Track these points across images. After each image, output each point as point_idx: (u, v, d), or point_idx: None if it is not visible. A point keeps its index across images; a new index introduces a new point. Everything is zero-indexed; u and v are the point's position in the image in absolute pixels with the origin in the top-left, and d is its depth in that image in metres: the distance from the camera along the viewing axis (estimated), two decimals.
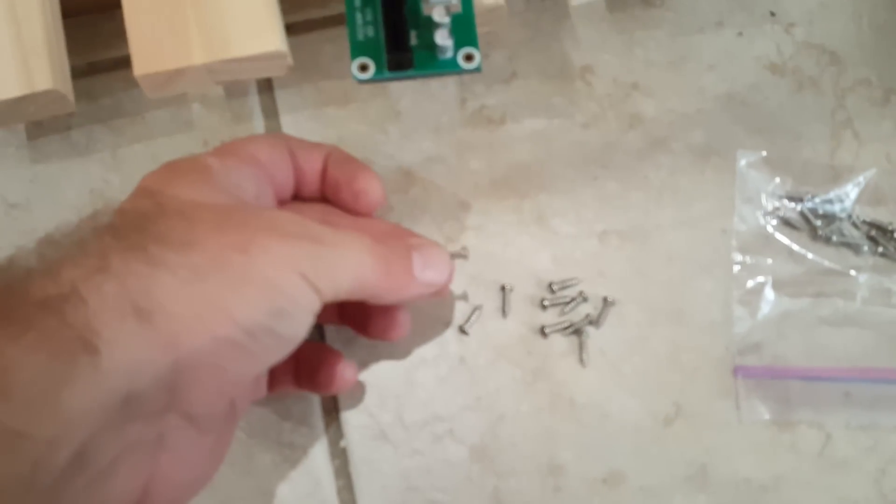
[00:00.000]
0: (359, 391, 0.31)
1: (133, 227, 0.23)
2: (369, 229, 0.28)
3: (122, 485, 0.22)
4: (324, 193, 0.30)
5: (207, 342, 0.21)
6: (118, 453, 0.21)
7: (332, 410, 0.32)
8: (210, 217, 0.23)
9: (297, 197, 0.30)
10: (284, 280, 0.23)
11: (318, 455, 0.31)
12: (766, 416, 0.31)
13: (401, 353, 0.32)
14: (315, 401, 0.32)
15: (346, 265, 0.25)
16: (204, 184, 0.25)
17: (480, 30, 0.29)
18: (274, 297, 0.23)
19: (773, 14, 0.35)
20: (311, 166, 0.29)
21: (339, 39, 0.26)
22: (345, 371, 0.29)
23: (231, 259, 0.22)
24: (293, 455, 0.31)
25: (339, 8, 0.29)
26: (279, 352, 0.24)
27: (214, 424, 0.24)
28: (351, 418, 0.31)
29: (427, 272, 0.27)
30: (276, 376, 0.30)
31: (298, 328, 0.24)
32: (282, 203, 0.29)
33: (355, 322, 0.31)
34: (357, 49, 0.29)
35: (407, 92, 0.34)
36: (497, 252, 0.33)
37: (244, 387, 0.26)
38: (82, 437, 0.20)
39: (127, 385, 0.20)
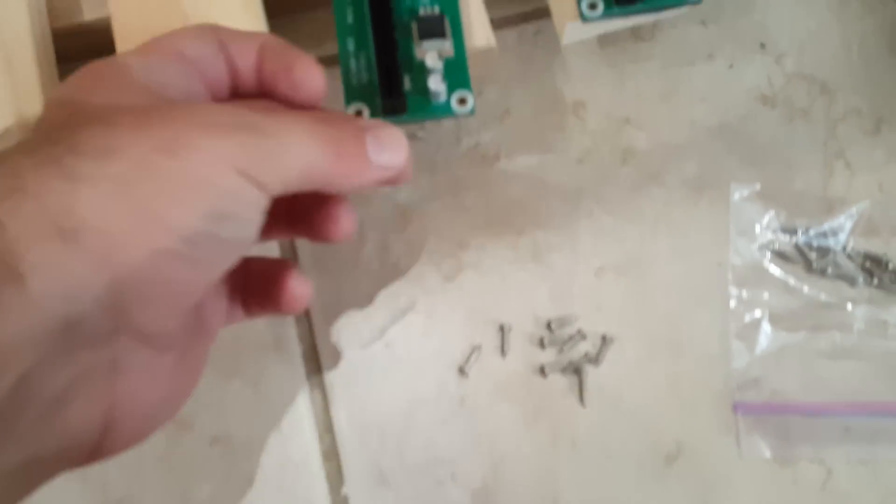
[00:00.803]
0: (360, 433, 0.31)
1: (45, 139, 0.20)
2: (315, 117, 0.25)
3: (81, 414, 0.21)
4: (262, 88, 0.26)
5: (144, 256, 0.20)
6: (69, 382, 0.20)
7: (332, 457, 0.31)
8: (130, 120, 0.21)
9: (235, 95, 0.27)
10: (221, 178, 0.21)
11: (320, 502, 0.31)
12: (767, 454, 0.31)
13: (401, 394, 0.32)
14: (315, 447, 0.31)
15: (290, 153, 0.22)
16: (123, 85, 0.23)
17: (473, 71, 0.29)
18: (211, 198, 0.20)
19: (763, 45, 0.36)
20: (245, 59, 0.26)
21: (332, 80, 0.26)
22: (296, 286, 0.27)
23: (157, 163, 0.20)
24: (293, 502, 0.31)
25: (332, 48, 0.29)
26: (227, 257, 0.22)
27: (173, 341, 0.23)
28: (351, 464, 0.31)
29: (383, 154, 0.25)
30: (248, 294, 0.28)
31: (244, 230, 0.22)
32: (218, 102, 0.26)
33: (304, 228, 0.28)
34: (351, 94, 0.29)
35: (401, 129, 0.34)
36: (495, 289, 0.33)
37: (199, 298, 0.23)
38: (21, 368, 0.19)
39: (63, 310, 0.19)
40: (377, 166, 0.24)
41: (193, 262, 0.21)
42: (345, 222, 0.26)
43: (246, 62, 0.26)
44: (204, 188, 0.20)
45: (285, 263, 0.27)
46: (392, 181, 0.26)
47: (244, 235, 0.22)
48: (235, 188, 0.21)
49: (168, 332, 0.22)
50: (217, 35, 0.25)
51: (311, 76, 0.26)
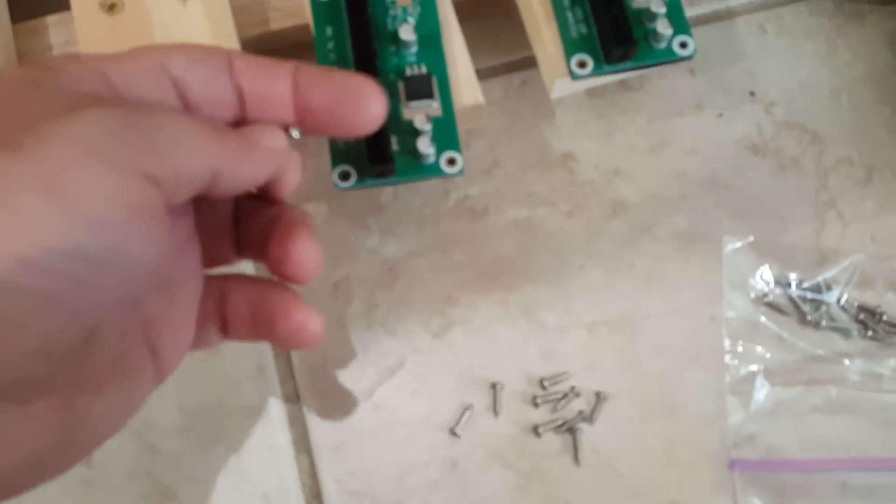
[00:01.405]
0: (350, 500, 0.30)
1: None
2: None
3: None
4: (309, 120, 0.23)
5: None
6: None
7: None
8: None
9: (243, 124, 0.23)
10: (82, 175, 0.16)
11: None
12: None
13: (391, 457, 0.31)
14: None
15: (176, 135, 0.18)
16: (42, 90, 0.18)
17: (461, 127, 0.29)
18: (71, 205, 0.16)
19: (752, 94, 0.35)
20: (267, 87, 0.22)
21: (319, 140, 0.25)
22: (307, 320, 0.23)
23: None
24: None
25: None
26: (117, 280, 0.18)
27: (46, 388, 0.18)
28: None
29: (265, 136, 0.22)
30: (229, 317, 0.25)
31: (134, 242, 0.17)
32: None
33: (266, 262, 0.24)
34: (337, 157, 0.28)
35: (388, 186, 0.34)
36: (486, 348, 0.32)
37: (77, 341, 0.19)
38: None
39: None
40: (266, 149, 0.22)
41: (55, 298, 0.16)
42: (303, 257, 0.23)
43: (268, 90, 0.22)
44: (57, 192, 0.15)
45: (293, 294, 0.24)
46: (284, 178, 0.23)
47: (136, 250, 0.17)
48: (108, 186, 0.16)
49: (26, 379, 0.18)
50: (227, 57, 0.22)
51: (375, 102, 0.23)
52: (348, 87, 0.23)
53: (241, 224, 0.25)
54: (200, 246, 0.24)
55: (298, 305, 0.24)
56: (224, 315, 0.25)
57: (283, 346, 0.25)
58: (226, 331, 0.25)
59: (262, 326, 0.24)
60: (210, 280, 0.25)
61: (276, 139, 0.23)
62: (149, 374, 0.23)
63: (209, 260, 0.25)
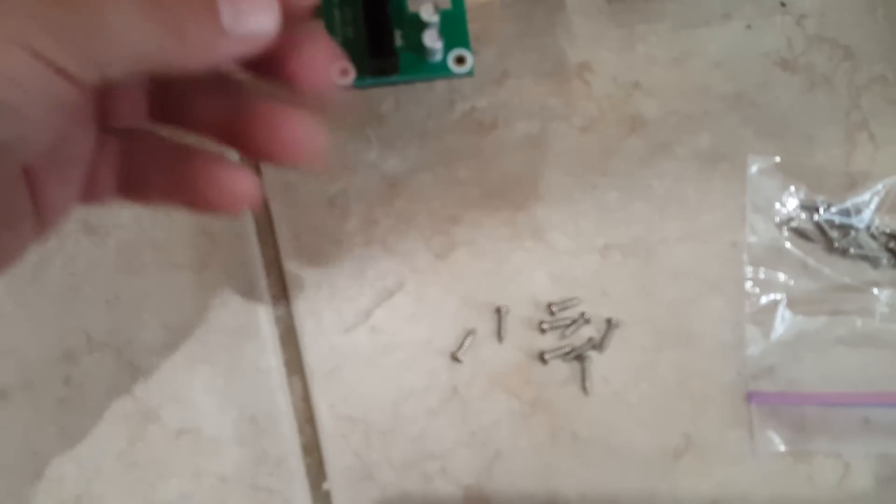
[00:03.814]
0: (343, 425, 0.29)
1: None
2: None
3: None
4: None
5: None
6: None
7: (313, 450, 0.29)
8: None
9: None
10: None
11: (299, 500, 0.28)
12: (782, 448, 0.29)
13: (388, 382, 0.29)
14: (294, 440, 0.29)
15: (110, 30, 0.17)
16: None
17: (471, 27, 0.27)
18: None
19: (783, 4, 0.33)
20: None
21: None
22: (237, 181, 0.21)
23: None
24: (270, 501, 0.28)
25: None
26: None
27: None
28: (334, 458, 0.29)
29: (243, 21, 0.18)
30: (133, 177, 0.22)
31: (29, 131, 0.17)
32: None
33: (225, 133, 0.21)
34: None
35: (389, 93, 0.31)
36: (491, 270, 0.30)
37: None
38: None
39: None
40: (237, 37, 0.18)
41: None
42: (307, 141, 0.20)
43: None
44: None
45: (217, 156, 0.21)
46: (258, 54, 0.19)
47: (31, 140, 0.17)
48: (21, 73, 0.16)
49: None
50: None
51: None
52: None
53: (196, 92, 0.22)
54: (100, 101, 0.21)
55: (223, 165, 0.21)
56: (127, 174, 0.22)
57: (205, 210, 0.22)
58: (128, 191, 0.22)
59: (179, 191, 0.22)
60: (110, 136, 0.22)
61: (264, 19, 0.19)
62: (28, 225, 0.20)
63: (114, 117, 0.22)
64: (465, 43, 0.26)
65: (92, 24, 0.17)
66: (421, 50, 0.25)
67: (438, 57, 0.26)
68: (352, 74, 0.25)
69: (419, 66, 0.26)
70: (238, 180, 0.21)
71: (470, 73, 0.26)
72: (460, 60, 0.26)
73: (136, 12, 0.17)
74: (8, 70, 0.16)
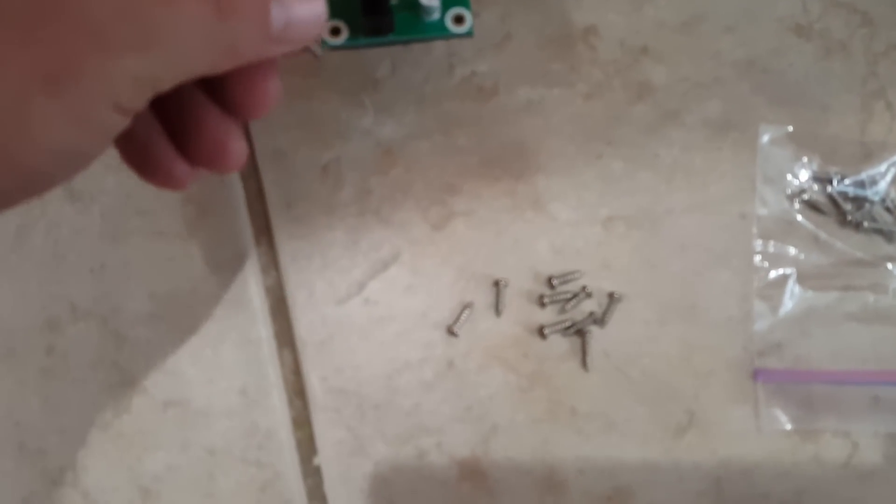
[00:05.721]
0: (335, 398, 0.28)
1: None
2: None
3: None
4: None
5: None
6: None
7: (304, 424, 0.28)
8: (14, 35, 0.16)
9: None
10: (97, 116, 0.17)
11: (289, 474, 0.28)
12: (788, 426, 0.28)
13: (381, 355, 0.28)
14: (284, 413, 0.28)
15: (178, 64, 0.17)
16: None
17: None
18: (73, 139, 0.17)
19: None
20: None
21: None
22: (229, 141, 0.21)
23: (34, 102, 0.16)
24: (260, 474, 0.28)
25: None
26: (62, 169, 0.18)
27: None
28: (325, 432, 0.28)
29: (293, 28, 0.18)
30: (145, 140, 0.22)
31: (93, 150, 0.18)
32: None
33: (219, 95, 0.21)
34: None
35: (385, 57, 0.30)
36: (489, 242, 0.29)
37: None
38: None
39: None
40: (285, 41, 0.19)
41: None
42: (272, 95, 0.20)
43: None
44: (73, 130, 0.17)
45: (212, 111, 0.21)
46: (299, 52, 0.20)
47: (91, 154, 0.18)
48: (105, 125, 0.17)
49: None
50: None
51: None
52: None
53: None
54: None
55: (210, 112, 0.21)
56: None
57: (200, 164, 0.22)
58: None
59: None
60: None
61: (311, 17, 0.19)
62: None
63: None
64: (464, 1, 0.25)
65: (169, 59, 0.17)
66: (417, 8, 0.24)
67: (436, 16, 0.25)
68: (345, 34, 0.24)
69: (416, 25, 0.25)
70: (233, 141, 0.21)
71: (469, 34, 0.25)
72: (459, 20, 0.25)
73: (200, 42, 0.17)
74: (96, 125, 0.17)
